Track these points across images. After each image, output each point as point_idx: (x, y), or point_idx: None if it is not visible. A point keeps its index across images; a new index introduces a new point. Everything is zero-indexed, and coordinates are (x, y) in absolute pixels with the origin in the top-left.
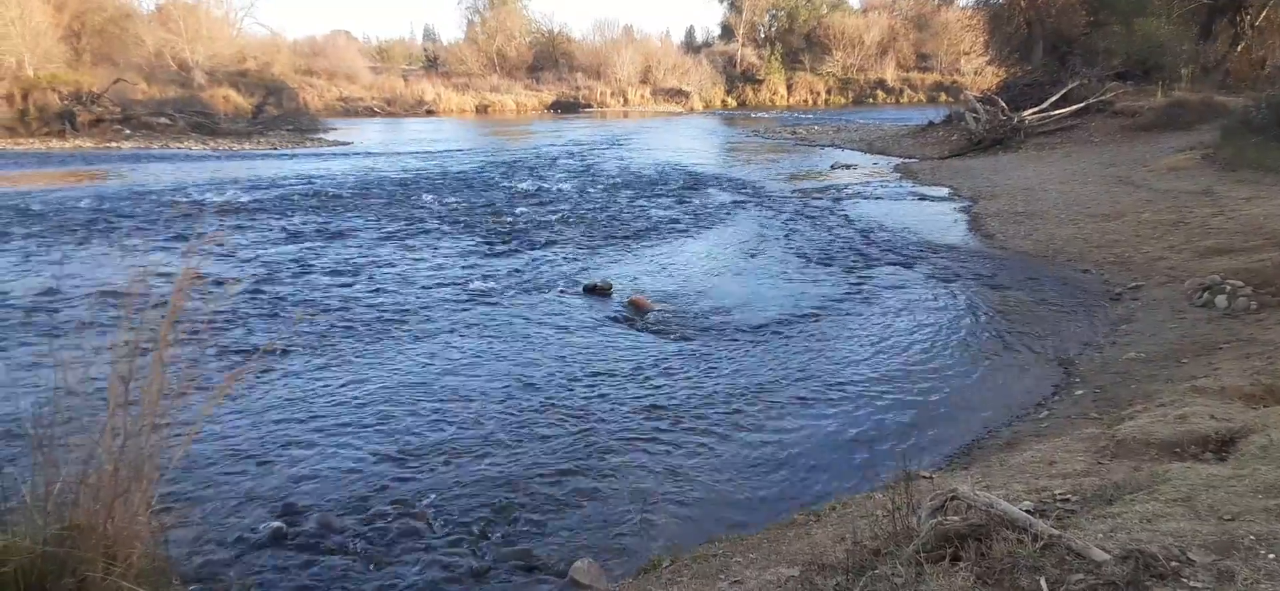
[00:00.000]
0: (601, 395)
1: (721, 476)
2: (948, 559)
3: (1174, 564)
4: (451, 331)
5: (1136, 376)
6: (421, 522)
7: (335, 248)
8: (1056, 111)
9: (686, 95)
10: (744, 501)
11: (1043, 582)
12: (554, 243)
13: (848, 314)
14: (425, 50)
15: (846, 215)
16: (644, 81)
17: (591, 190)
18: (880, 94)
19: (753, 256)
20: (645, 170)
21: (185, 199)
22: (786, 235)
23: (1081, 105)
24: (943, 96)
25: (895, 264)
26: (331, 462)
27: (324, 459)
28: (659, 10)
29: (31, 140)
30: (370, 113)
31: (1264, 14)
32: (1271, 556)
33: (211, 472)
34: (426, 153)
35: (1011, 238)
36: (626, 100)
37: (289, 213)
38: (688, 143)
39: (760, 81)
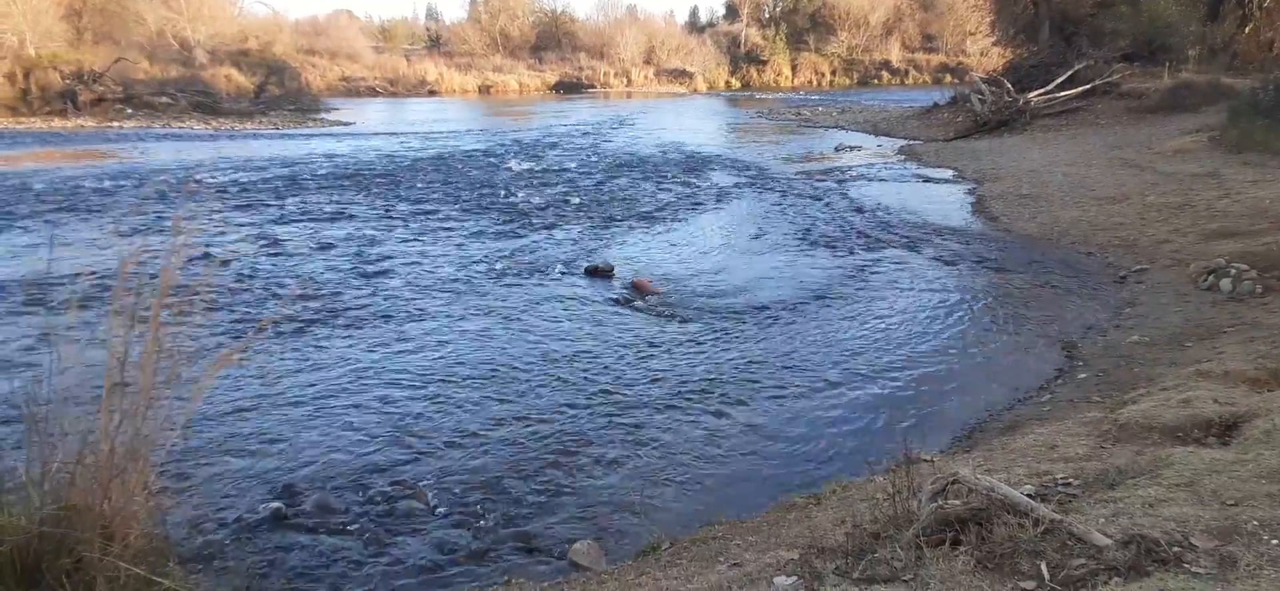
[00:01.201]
0: (602, 377)
1: (722, 458)
2: (948, 543)
3: (1176, 549)
4: (452, 313)
5: (1140, 360)
6: (421, 504)
7: (337, 228)
8: (1062, 93)
9: (690, 76)
10: (744, 484)
11: (1043, 567)
12: (556, 224)
13: (850, 296)
14: (428, 30)
15: (850, 197)
16: (647, 62)
17: (594, 171)
18: (885, 75)
19: (755, 238)
20: (648, 151)
21: (186, 179)
22: (789, 217)
23: (1087, 87)
24: (948, 78)
25: (898, 246)
26: (331, 443)
27: (323, 439)
28: None
29: (33, 119)
30: (372, 92)
31: None
32: (1275, 541)
33: (210, 452)
34: (429, 133)
35: (1016, 220)
36: (630, 81)
37: (290, 193)
38: (691, 124)
39: (765, 62)
